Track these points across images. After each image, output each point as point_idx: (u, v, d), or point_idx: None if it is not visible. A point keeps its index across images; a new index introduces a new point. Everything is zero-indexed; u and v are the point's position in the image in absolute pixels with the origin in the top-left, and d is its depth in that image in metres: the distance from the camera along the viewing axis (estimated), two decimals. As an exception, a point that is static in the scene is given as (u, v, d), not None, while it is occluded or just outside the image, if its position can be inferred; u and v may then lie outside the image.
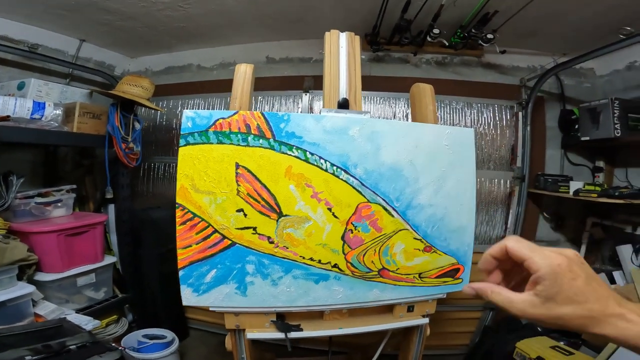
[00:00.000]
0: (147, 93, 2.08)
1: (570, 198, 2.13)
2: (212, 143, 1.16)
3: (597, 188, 2.04)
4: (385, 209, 1.29)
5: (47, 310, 1.65)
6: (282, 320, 1.37)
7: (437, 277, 1.39)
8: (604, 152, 2.39)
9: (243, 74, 1.30)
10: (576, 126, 2.25)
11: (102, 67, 2.52)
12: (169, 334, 2.20)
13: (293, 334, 1.32)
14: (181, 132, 1.15)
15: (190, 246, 1.18)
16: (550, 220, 2.58)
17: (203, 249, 1.19)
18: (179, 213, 1.17)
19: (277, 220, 1.21)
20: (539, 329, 2.33)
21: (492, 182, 2.48)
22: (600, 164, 2.40)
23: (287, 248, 1.24)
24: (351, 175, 1.25)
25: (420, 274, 1.37)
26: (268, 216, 1.21)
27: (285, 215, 1.22)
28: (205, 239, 1.19)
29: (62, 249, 1.75)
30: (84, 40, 2.30)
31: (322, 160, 1.23)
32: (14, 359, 1.31)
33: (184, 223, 1.17)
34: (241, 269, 1.22)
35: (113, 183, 2.19)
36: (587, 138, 2.12)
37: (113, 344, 1.64)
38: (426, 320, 1.45)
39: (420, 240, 1.34)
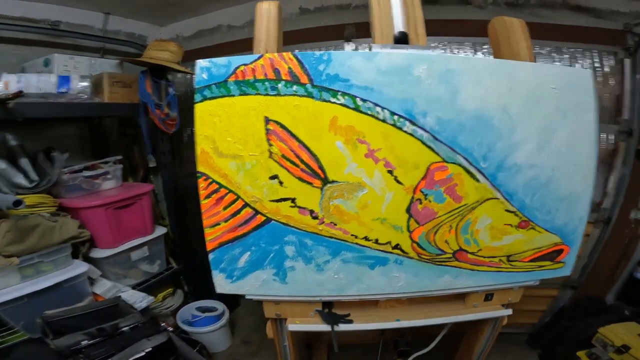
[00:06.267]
0: (175, 57, 1.96)
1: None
2: (233, 95, 0.90)
3: None
4: (468, 171, 0.95)
5: (104, 288, 1.61)
6: (329, 307, 1.14)
7: (531, 261, 1.06)
8: None
9: (267, 12, 0.99)
10: None
11: (133, 38, 2.42)
12: (220, 306, 2.14)
13: (341, 327, 1.09)
14: (196, 86, 0.90)
15: (219, 224, 0.97)
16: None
17: (233, 227, 0.97)
18: (202, 184, 0.95)
19: (321, 189, 0.94)
20: (626, 312, 1.94)
21: None
22: None
23: (335, 225, 0.97)
24: (419, 127, 0.92)
25: (509, 256, 1.04)
26: (310, 183, 0.94)
27: (332, 182, 0.94)
28: (234, 215, 0.96)
29: (111, 223, 1.69)
30: (109, 13, 2.21)
31: (378, 108, 0.90)
32: (71, 344, 1.28)
33: (209, 196, 0.95)
34: (279, 252, 0.99)
35: (154, 150, 2.09)
36: None
37: (163, 324, 1.57)
38: (508, 311, 1.14)
39: (514, 213, 0.99)
